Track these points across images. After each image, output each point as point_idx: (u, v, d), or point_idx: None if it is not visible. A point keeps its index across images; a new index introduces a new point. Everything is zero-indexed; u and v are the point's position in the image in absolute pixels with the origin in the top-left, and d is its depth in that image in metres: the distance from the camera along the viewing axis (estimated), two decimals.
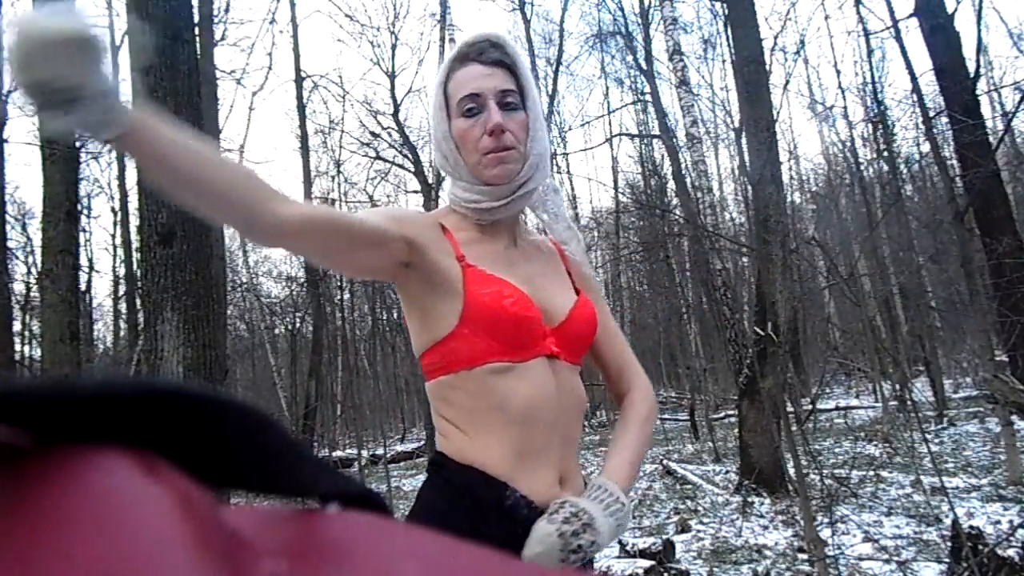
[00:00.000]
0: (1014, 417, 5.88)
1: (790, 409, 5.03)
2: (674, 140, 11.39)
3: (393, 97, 16.19)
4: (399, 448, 13.92)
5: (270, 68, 21.06)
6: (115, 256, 18.51)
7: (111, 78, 0.71)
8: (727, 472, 7.17)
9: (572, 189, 19.78)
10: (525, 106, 1.02)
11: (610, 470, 1.01)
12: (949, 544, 3.56)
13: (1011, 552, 3.04)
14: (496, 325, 0.96)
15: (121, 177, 14.88)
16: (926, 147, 10.59)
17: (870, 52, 12.12)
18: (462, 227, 1.05)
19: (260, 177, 0.87)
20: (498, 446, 0.95)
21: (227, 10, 13.21)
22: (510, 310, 0.96)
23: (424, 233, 0.99)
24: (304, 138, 14.01)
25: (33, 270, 15.45)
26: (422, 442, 13.22)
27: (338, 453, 13.21)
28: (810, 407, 7.90)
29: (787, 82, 12.92)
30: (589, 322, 1.07)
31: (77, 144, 6.64)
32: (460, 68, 1.02)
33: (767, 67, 6.73)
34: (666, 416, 12.85)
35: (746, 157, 6.83)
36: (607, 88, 20.42)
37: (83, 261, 15.18)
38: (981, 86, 7.41)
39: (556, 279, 1.10)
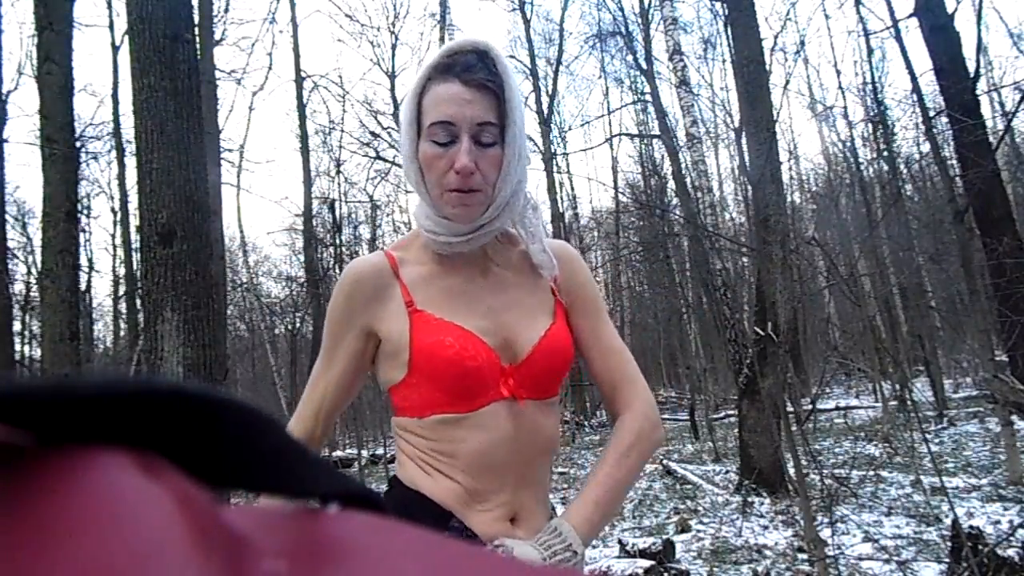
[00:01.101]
0: (1014, 417, 5.88)
1: (790, 409, 5.02)
2: (674, 140, 11.41)
3: (393, 97, 16.24)
4: None
5: (270, 68, 21.13)
6: (115, 256, 18.56)
7: None
8: (727, 472, 7.17)
9: (572, 189, 19.80)
10: (504, 140, 0.92)
11: (571, 512, 0.90)
12: (949, 544, 3.57)
13: (1011, 552, 3.05)
14: (439, 377, 0.92)
15: (121, 177, 14.89)
16: (926, 147, 10.60)
17: (870, 52, 12.15)
18: (423, 259, 0.99)
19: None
20: (449, 485, 0.94)
21: (227, 10, 13.26)
22: (453, 360, 0.91)
23: (372, 304, 0.97)
24: (304, 138, 14.03)
25: (33, 270, 15.48)
26: None
27: (338, 453, 13.21)
28: (810, 407, 7.90)
29: (787, 82, 12.99)
30: (557, 353, 0.98)
31: (77, 144, 6.65)
32: (440, 82, 0.91)
33: (767, 67, 6.73)
34: (666, 416, 12.86)
35: (746, 157, 6.82)
36: (607, 88, 20.47)
37: (83, 261, 15.19)
38: (981, 86, 7.41)
39: (529, 308, 1.00)
